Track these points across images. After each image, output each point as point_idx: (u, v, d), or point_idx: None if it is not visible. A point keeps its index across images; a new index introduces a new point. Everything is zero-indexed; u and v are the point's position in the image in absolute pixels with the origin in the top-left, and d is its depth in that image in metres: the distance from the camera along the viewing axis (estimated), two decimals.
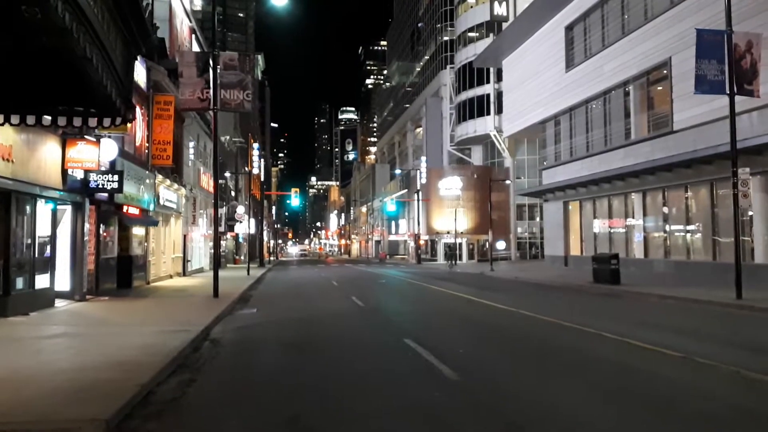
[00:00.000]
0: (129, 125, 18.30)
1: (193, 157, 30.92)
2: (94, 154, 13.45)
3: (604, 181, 30.86)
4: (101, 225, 16.14)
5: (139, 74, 19.52)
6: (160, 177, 21.97)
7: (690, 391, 5.95)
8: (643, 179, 27.98)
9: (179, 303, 14.79)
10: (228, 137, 46.81)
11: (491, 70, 56.18)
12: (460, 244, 56.67)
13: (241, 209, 43.39)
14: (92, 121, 7.75)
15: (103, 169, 14.75)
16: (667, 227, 27.22)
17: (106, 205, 16.24)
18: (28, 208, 12.00)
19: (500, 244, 51.22)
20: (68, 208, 14.21)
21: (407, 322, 11.71)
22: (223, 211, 41.62)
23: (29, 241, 12.03)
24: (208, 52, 17.16)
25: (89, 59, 5.83)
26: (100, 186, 14.30)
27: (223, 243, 43.87)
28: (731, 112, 15.70)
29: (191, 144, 30.29)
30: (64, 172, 13.26)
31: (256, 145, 52.09)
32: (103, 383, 5.99)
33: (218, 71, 16.57)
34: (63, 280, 13.94)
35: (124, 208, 17.69)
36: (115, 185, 14.37)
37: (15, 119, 7.72)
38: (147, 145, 20.81)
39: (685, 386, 6.14)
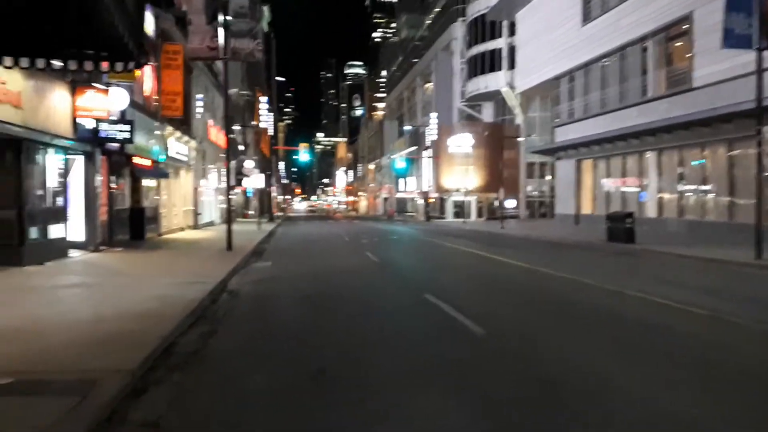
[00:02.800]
0: (138, 72, 17.95)
1: (202, 110, 30.49)
2: (104, 103, 13.18)
3: (619, 139, 30.32)
4: (113, 176, 15.98)
5: (148, 22, 18.98)
6: (169, 128, 21.69)
7: (722, 348, 5.81)
8: (659, 137, 27.44)
9: (193, 255, 14.74)
10: (236, 90, 46.13)
11: (504, 23, 54.76)
12: (470, 202, 56.43)
13: (249, 163, 43.11)
14: (104, 66, 7.46)
15: (113, 118, 14.48)
16: (682, 186, 26.84)
17: (117, 155, 16.03)
18: (39, 157, 11.82)
19: (510, 203, 50.96)
20: (80, 159, 14.03)
21: (425, 277, 11.61)
22: (232, 165, 41.34)
23: (41, 191, 11.89)
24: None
25: None
26: (111, 136, 14.07)
27: (233, 197, 43.81)
28: (758, 67, 15.14)
29: (199, 96, 29.84)
30: (74, 120, 13.02)
31: (263, 99, 51.44)
32: (124, 334, 5.90)
33: (228, 19, 16.09)
34: (77, 231, 13.86)
35: (135, 159, 17.49)
36: (127, 135, 14.14)
37: (24, 62, 7.43)
38: (156, 95, 20.45)
39: (716, 343, 6.01)
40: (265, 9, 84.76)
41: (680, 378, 4.81)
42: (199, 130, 29.08)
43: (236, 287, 10.01)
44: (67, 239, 13.02)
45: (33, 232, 11.52)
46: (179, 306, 7.41)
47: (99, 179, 14.54)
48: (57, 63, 7.50)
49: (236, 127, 41.70)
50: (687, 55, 25.44)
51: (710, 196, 24.99)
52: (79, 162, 14.05)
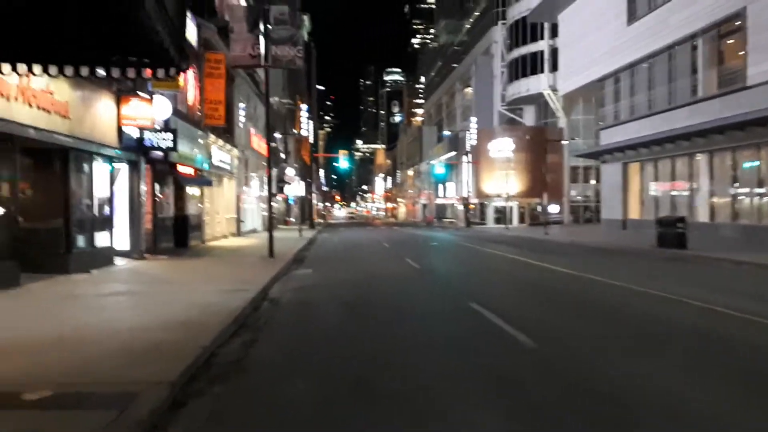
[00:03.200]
0: (181, 82, 18.19)
1: (244, 118, 30.86)
2: (148, 112, 13.32)
3: (668, 141, 29.31)
4: (157, 184, 16.18)
5: (190, 31, 19.27)
6: (212, 137, 21.93)
7: None
8: (711, 139, 26.38)
9: (236, 262, 14.76)
10: (277, 98, 46.64)
11: (546, 25, 53.90)
12: (511, 208, 55.57)
13: (290, 171, 43.48)
14: (146, 73, 7.45)
15: (157, 127, 14.65)
16: (736, 190, 25.72)
17: (161, 164, 16.23)
18: (85, 166, 12.00)
19: (553, 208, 50.00)
20: (124, 167, 14.22)
21: (469, 285, 11.31)
22: (273, 173, 41.74)
23: (88, 199, 12.06)
24: (257, 7, 16.71)
25: (141, 3, 5.47)
26: (155, 144, 14.23)
27: (274, 204, 44.22)
28: None
29: (241, 105, 30.18)
30: (119, 129, 13.19)
31: (304, 107, 51.83)
32: (166, 344, 5.80)
33: (269, 26, 16.13)
34: (122, 239, 14.04)
35: (179, 168, 17.69)
36: (170, 143, 14.28)
37: (69, 71, 7.49)
38: (199, 104, 20.71)
39: None
40: (306, 18, 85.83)
41: (756, 398, 4.40)
42: (241, 139, 29.39)
43: (277, 295, 9.91)
44: (113, 247, 13.19)
45: (79, 241, 11.69)
46: (221, 314, 7.31)
47: (143, 188, 14.71)
48: (101, 71, 7.55)
49: (277, 135, 42.08)
50: (740, 53, 24.42)
51: (766, 199, 23.86)
52: (124, 170, 14.24)
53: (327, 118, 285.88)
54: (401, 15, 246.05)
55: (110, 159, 13.10)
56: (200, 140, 20.01)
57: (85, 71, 7.62)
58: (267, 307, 8.83)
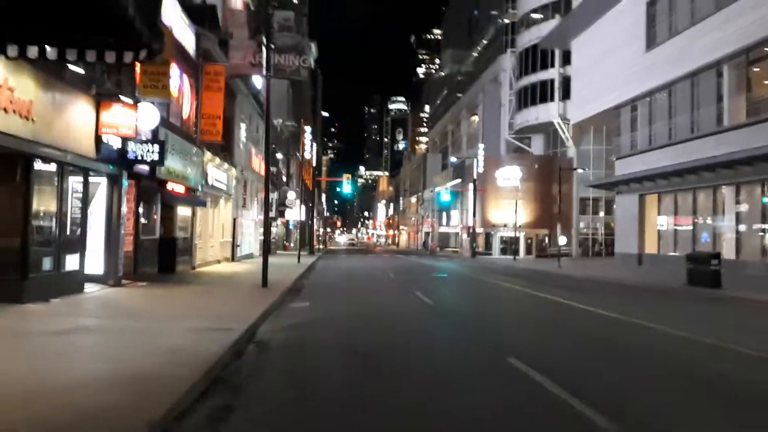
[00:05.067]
0: (175, 92, 16.75)
1: (245, 138, 29.44)
2: (130, 119, 11.79)
3: (689, 172, 27.77)
4: (141, 202, 14.58)
5: (188, 40, 17.92)
6: (209, 154, 20.42)
7: None
8: (738, 170, 24.84)
9: (224, 292, 13.08)
10: (280, 120, 45.39)
11: (556, 53, 52.92)
12: (518, 239, 53.83)
13: (292, 195, 41.98)
14: (109, 55, 5.91)
15: (143, 138, 13.13)
16: (765, 225, 24.09)
17: (147, 180, 14.67)
18: (55, 178, 10.42)
19: (561, 239, 48.31)
20: (103, 181, 12.65)
21: (497, 329, 9.48)
22: (274, 196, 40.28)
23: (54, 216, 10.45)
24: (260, 11, 15.30)
25: None
26: (139, 157, 12.67)
27: (273, 229, 42.62)
28: None
29: (243, 125, 28.79)
30: (97, 138, 11.64)
31: (308, 128, 50.60)
32: (104, 414, 4.13)
33: (272, 33, 14.72)
34: (96, 263, 12.40)
35: (169, 186, 16.13)
36: (156, 156, 12.72)
37: (12, 51, 5.99)
38: (195, 119, 19.25)
39: None
40: (313, 45, 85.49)
41: None
42: (241, 159, 27.93)
43: (267, 335, 8.22)
44: (84, 272, 11.53)
45: (42, 264, 10.06)
46: (191, 365, 5.64)
47: (125, 205, 13.11)
48: (51, 52, 6.02)
49: (279, 156, 40.69)
50: None
51: None
52: (102, 185, 12.67)
53: (330, 144, 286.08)
54: (407, 45, 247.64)
55: (85, 171, 11.53)
56: (194, 157, 18.49)
57: (33, 52, 6.11)
58: (252, 352, 7.15)
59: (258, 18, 14.90)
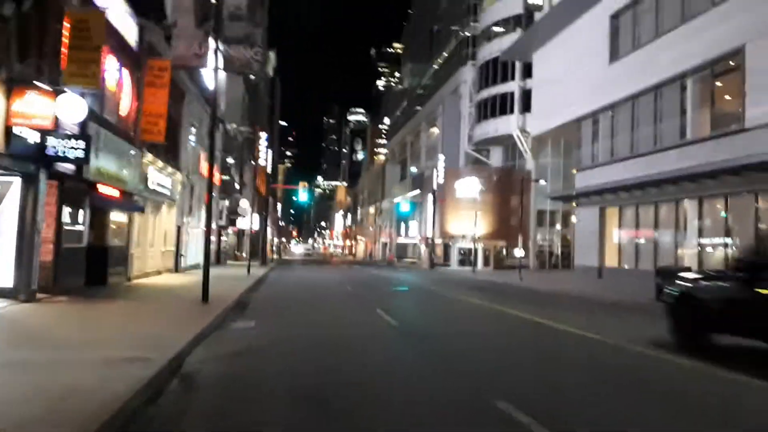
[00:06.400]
0: (113, 86, 15.08)
1: (194, 141, 27.68)
2: (48, 109, 10.16)
3: (652, 185, 27.40)
4: (65, 206, 12.84)
5: (129, 30, 16.27)
6: (150, 156, 18.69)
7: None
8: (701, 184, 24.50)
9: (157, 309, 11.47)
10: (234, 125, 43.57)
11: (517, 66, 52.83)
12: (476, 250, 53.17)
13: (244, 203, 40.18)
14: None
15: (67, 132, 11.48)
16: (729, 240, 23.76)
17: (73, 181, 12.94)
18: None
19: (518, 252, 47.90)
20: (16, 181, 10.93)
21: (474, 359, 7.88)
22: (225, 203, 38.42)
23: None
24: None
25: None
26: (61, 154, 11.00)
27: (224, 238, 40.67)
28: None
29: (193, 129, 27.03)
30: (7, 130, 9.98)
31: (264, 135, 48.87)
32: None
33: (221, 22, 13.28)
34: (4, 274, 10.66)
35: (100, 188, 14.40)
36: (80, 154, 11.08)
37: None
38: (136, 117, 17.53)
39: None
40: (272, 54, 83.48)
41: None
42: (188, 163, 26.15)
43: (197, 366, 6.75)
44: None
45: None
46: (76, 421, 4.18)
47: (42, 209, 11.39)
48: None
49: (231, 161, 38.89)
50: (736, 93, 22.79)
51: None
52: (15, 185, 10.95)
53: (288, 153, 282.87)
54: (367, 57, 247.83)
55: None
56: (132, 158, 16.78)
57: None
58: (174, 391, 5.70)
59: (206, 5, 13.43)
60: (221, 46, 13.13)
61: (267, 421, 4.89)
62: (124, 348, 6.96)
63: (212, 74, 13.69)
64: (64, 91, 11.01)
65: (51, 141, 10.89)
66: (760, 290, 7.62)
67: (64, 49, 11.32)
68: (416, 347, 8.65)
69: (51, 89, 10.41)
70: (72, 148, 11.03)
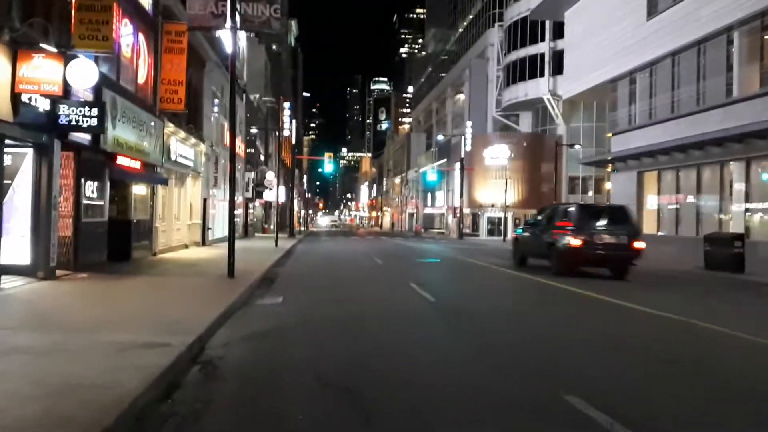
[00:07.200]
0: (127, 52, 14.39)
1: (217, 112, 27.01)
2: (56, 74, 9.48)
3: (694, 147, 25.99)
4: (84, 179, 12.28)
5: None
6: (171, 126, 18.07)
7: None
8: (749, 144, 23.06)
9: (180, 285, 10.91)
10: (257, 95, 42.85)
11: (547, 26, 50.83)
12: (506, 219, 52.08)
13: (270, 175, 39.60)
14: None
15: (80, 99, 10.84)
16: None
17: (91, 152, 12.36)
18: None
19: None
20: (29, 153, 10.35)
21: (532, 344, 6.80)
22: (251, 176, 37.92)
23: None
24: None
25: None
26: (74, 122, 10.37)
27: (251, 210, 40.29)
28: None
29: (216, 100, 26.33)
30: (15, 97, 9.33)
31: (287, 104, 48.05)
32: None
33: None
34: (20, 251, 10.17)
35: (119, 159, 13.82)
36: (94, 122, 10.43)
37: None
38: (154, 85, 16.87)
39: None
40: (293, 23, 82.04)
41: None
42: (212, 133, 25.54)
43: (220, 351, 6.11)
44: (0, 261, 9.28)
45: None
46: (84, 418, 3.54)
47: (58, 181, 10.83)
48: None
49: (254, 131, 38.21)
50: None
51: None
52: (28, 157, 10.38)
53: (312, 125, 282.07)
54: (390, 24, 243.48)
55: None
56: (153, 129, 16.16)
57: None
58: (193, 382, 5.05)
59: None
60: (238, 5, 12.28)
61: (289, 413, 4.20)
62: (142, 331, 6.34)
63: (231, 38, 12.88)
64: (75, 56, 10.31)
65: (63, 109, 10.26)
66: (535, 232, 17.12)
67: (72, 11, 10.60)
68: (459, 327, 7.85)
69: (59, 52, 9.71)
70: (85, 116, 10.38)
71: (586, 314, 9.26)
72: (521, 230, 19.57)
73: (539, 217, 17.86)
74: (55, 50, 9.58)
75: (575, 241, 14.55)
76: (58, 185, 10.80)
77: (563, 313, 9.37)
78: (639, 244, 15.04)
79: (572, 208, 16.06)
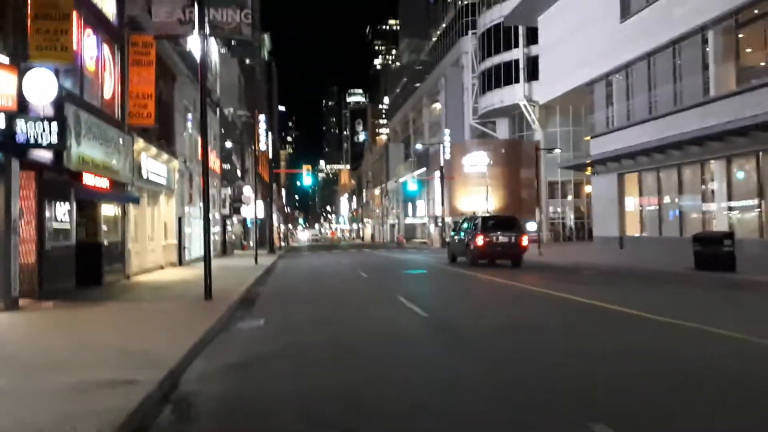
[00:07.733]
0: (92, 67, 13.67)
1: (191, 127, 26.27)
2: (10, 86, 8.78)
3: (674, 147, 25.95)
4: (47, 200, 11.52)
5: (107, 3, 14.83)
6: (141, 143, 17.33)
7: None
8: (729, 142, 23.04)
9: (153, 311, 10.19)
10: (232, 110, 42.06)
11: (520, 32, 50.99)
12: None
13: (248, 190, 38.78)
14: None
15: (35, 115, 10.12)
16: (762, 200, 22.34)
17: (53, 171, 11.60)
18: None
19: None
20: None
21: (542, 362, 6.11)
22: (228, 192, 37.06)
23: None
24: None
25: None
26: (32, 139, 9.65)
27: (229, 228, 39.38)
28: None
29: (188, 114, 25.59)
30: None
31: (262, 117, 47.35)
32: None
33: None
34: None
35: (85, 178, 13.07)
36: (54, 138, 9.72)
37: None
38: (121, 99, 16.15)
39: None
40: (266, 37, 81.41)
41: None
42: (185, 149, 24.77)
43: (195, 386, 5.45)
44: None
45: None
46: None
47: (18, 203, 10.07)
48: None
49: (229, 145, 37.49)
50: (762, 45, 21.28)
51: None
52: None
53: (289, 138, 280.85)
54: (363, 36, 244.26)
55: None
56: (121, 145, 15.42)
57: None
58: (165, 425, 4.40)
59: None
60: (207, 11, 11.69)
61: None
62: (106, 366, 5.67)
63: (200, 44, 12.26)
64: (32, 67, 9.62)
65: (20, 125, 9.53)
66: (458, 237, 24.06)
67: (28, 20, 9.91)
68: (458, 346, 7.21)
69: (13, 64, 9.01)
70: (45, 132, 9.67)
71: (563, 315, 8.77)
72: (453, 235, 25.52)
73: (465, 225, 23.94)
74: (5, 61, 8.87)
75: (480, 242, 21.24)
76: (17, 208, 10.04)
77: (539, 315, 8.86)
78: (525, 243, 21.64)
79: (478, 220, 22.65)
